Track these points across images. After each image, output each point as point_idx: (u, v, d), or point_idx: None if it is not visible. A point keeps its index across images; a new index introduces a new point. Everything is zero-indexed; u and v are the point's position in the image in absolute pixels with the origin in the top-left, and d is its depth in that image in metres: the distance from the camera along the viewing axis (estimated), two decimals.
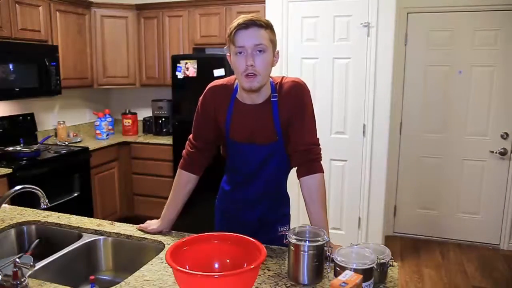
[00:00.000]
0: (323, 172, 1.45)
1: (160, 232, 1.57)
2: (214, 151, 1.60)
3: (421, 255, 3.60)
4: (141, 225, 1.61)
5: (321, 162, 1.47)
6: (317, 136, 1.48)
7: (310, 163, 1.43)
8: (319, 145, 1.47)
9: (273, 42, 1.37)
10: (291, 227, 1.62)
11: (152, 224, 1.59)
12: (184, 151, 1.58)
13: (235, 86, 1.48)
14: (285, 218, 1.63)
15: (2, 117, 3.35)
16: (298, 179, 1.45)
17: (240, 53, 1.33)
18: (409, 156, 3.89)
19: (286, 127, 1.45)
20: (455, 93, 3.69)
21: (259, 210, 1.57)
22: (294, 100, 1.44)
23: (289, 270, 1.24)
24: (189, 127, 1.64)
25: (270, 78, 1.47)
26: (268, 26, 1.35)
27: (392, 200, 3.97)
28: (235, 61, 1.35)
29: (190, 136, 1.58)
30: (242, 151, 1.50)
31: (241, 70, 1.34)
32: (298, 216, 3.25)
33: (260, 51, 1.32)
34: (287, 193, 1.65)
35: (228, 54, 1.40)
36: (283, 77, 1.49)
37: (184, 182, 1.56)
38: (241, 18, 1.33)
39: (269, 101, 1.44)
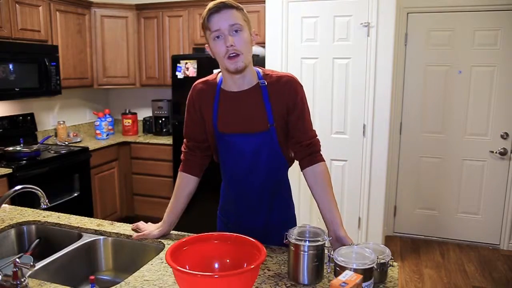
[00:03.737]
0: (325, 161, 1.49)
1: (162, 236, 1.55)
2: (209, 151, 1.58)
3: (421, 255, 3.60)
4: (139, 234, 1.54)
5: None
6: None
7: (314, 154, 1.46)
8: (317, 135, 1.50)
9: (248, 22, 1.37)
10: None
11: (153, 230, 1.55)
12: (182, 154, 1.58)
13: (218, 79, 1.48)
14: (292, 220, 1.60)
15: (2, 117, 3.35)
16: (302, 170, 1.47)
17: (217, 37, 1.33)
18: (409, 156, 3.89)
19: (280, 118, 1.43)
20: (455, 93, 3.69)
21: (263, 213, 1.53)
22: (292, 96, 1.43)
23: (289, 270, 1.24)
24: None
25: (257, 68, 1.47)
26: (239, 7, 1.35)
27: (392, 200, 3.97)
28: (214, 47, 1.35)
29: (184, 139, 1.58)
30: (233, 144, 1.46)
31: (222, 54, 1.34)
32: (298, 215, 3.26)
33: (236, 31, 1.32)
34: (290, 192, 1.61)
35: (207, 45, 1.40)
36: (272, 70, 1.49)
37: (183, 184, 1.55)
38: (211, 3, 1.34)
39: (257, 87, 1.43)
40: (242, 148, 1.46)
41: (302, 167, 1.48)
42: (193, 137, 1.54)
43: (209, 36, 1.35)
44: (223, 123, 1.45)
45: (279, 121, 1.43)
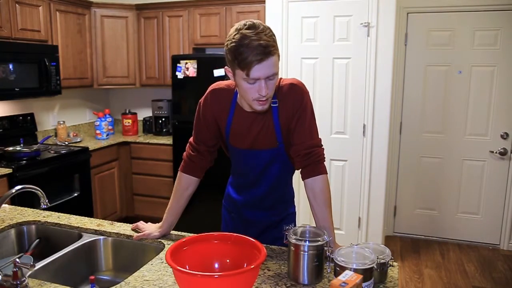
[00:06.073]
0: (327, 173, 1.43)
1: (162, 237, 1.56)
2: (216, 154, 1.58)
3: (421, 255, 3.60)
4: (139, 234, 1.54)
5: (324, 162, 1.44)
6: (319, 137, 1.45)
7: (313, 165, 1.41)
8: (321, 145, 1.44)
9: (279, 57, 1.32)
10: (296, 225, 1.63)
11: (153, 230, 1.56)
12: (184, 154, 1.56)
13: (235, 90, 1.45)
14: (291, 217, 1.64)
15: (2, 117, 3.35)
16: (302, 180, 1.44)
17: (252, 82, 1.28)
18: (409, 156, 3.89)
19: (287, 130, 1.43)
20: (455, 93, 3.69)
21: (264, 212, 1.58)
22: (293, 103, 1.41)
23: (289, 270, 1.24)
24: (189, 127, 1.64)
25: None
26: (276, 49, 1.27)
27: (392, 200, 3.97)
28: (245, 88, 1.29)
29: (191, 139, 1.56)
30: (244, 156, 1.50)
31: (252, 97, 1.30)
32: (298, 215, 3.26)
33: (271, 78, 1.28)
34: (292, 192, 1.65)
35: (227, 68, 1.33)
36: (280, 79, 1.44)
37: (185, 186, 1.54)
38: (254, 47, 1.22)
39: (269, 108, 1.40)
40: (252, 161, 1.50)
41: (302, 177, 1.44)
42: (205, 141, 1.52)
43: (241, 76, 1.27)
44: (234, 138, 1.48)
45: (287, 136, 1.44)
